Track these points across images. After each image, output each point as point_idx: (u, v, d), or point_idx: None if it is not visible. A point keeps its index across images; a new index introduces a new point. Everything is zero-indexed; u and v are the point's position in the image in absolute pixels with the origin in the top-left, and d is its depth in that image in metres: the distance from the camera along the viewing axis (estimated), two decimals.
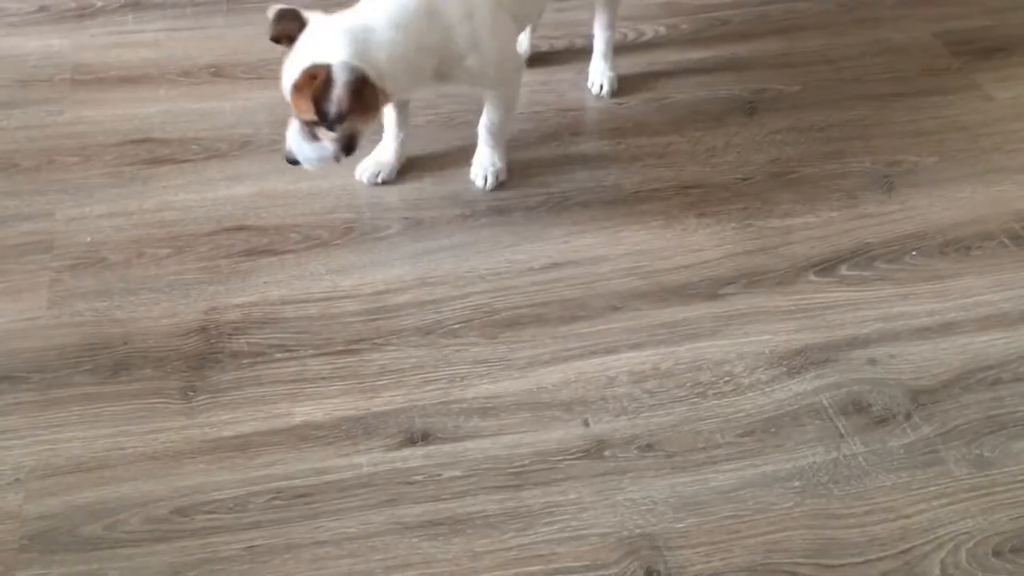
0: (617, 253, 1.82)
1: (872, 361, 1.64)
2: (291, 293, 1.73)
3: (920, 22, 2.40)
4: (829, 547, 1.40)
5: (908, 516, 1.44)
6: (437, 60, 1.70)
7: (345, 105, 1.56)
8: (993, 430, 1.55)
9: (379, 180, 1.93)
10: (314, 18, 1.64)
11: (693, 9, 2.43)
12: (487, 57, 1.74)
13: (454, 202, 1.91)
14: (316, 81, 1.57)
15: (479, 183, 1.93)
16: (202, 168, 1.97)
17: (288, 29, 1.64)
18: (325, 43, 1.60)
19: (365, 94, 1.59)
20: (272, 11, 1.64)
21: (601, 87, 2.14)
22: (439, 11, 1.66)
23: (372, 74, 1.59)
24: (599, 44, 2.14)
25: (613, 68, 2.15)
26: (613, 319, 1.70)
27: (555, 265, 1.80)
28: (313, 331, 1.67)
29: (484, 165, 1.93)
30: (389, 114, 1.91)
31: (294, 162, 1.72)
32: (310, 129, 1.66)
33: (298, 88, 1.60)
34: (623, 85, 2.19)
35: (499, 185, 1.94)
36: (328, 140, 1.67)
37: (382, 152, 1.95)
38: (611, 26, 2.12)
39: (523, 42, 2.16)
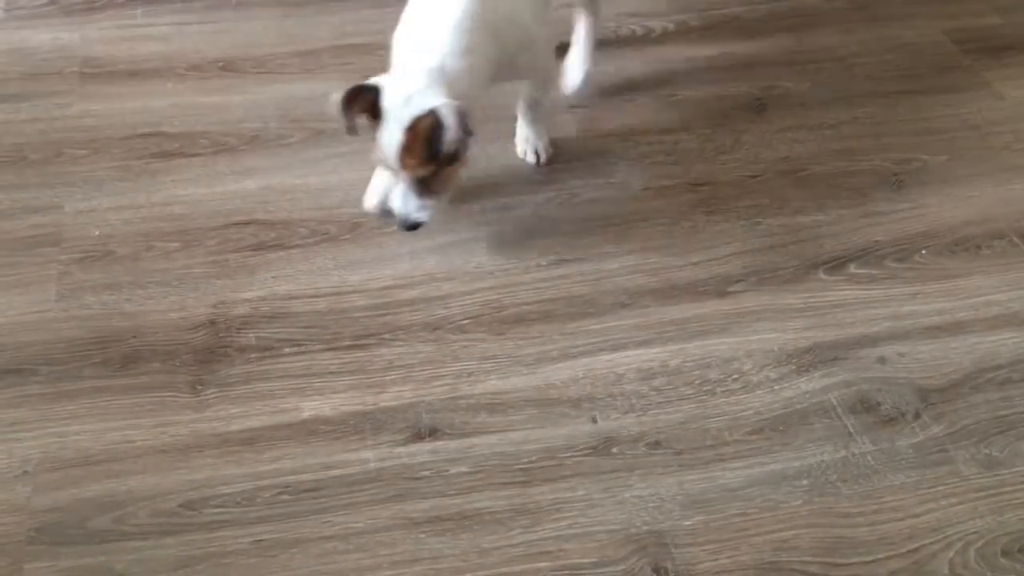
0: (625, 250, 1.82)
1: (881, 360, 1.64)
2: (299, 288, 1.73)
3: (931, 20, 2.39)
4: (837, 546, 1.40)
5: (917, 515, 1.44)
6: (496, 67, 1.71)
7: (463, 134, 1.58)
8: (1002, 430, 1.55)
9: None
10: (382, 82, 1.62)
11: (702, 6, 2.42)
12: (538, 50, 1.80)
13: (462, 199, 1.90)
14: (425, 128, 1.57)
15: (530, 159, 1.98)
16: (211, 162, 1.97)
17: (363, 105, 1.61)
18: (414, 96, 1.59)
19: (468, 123, 1.61)
20: (338, 97, 1.60)
21: (576, 85, 2.11)
22: (491, 23, 1.68)
23: (466, 104, 1.60)
24: (579, 40, 2.11)
25: (592, 62, 2.12)
26: (621, 316, 1.70)
27: (563, 261, 1.79)
28: (321, 326, 1.67)
29: (531, 141, 1.98)
30: None
31: (414, 227, 1.69)
32: (422, 184, 1.64)
33: (410, 146, 1.59)
34: (631, 82, 2.19)
35: (548, 160, 1.98)
36: (440, 187, 1.67)
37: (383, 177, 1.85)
38: (593, 31, 2.11)
39: None
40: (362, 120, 1.62)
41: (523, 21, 1.76)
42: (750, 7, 2.43)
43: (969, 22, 2.38)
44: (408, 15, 1.74)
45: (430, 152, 1.59)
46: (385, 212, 1.74)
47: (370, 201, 1.83)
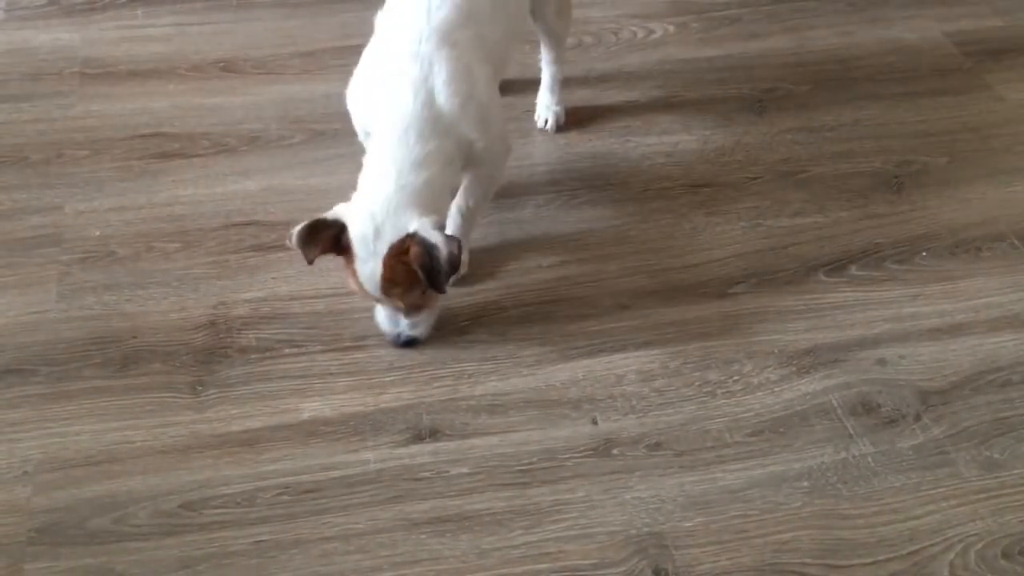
0: (625, 251, 1.82)
1: (882, 361, 1.64)
2: (299, 289, 1.73)
3: (931, 22, 2.39)
4: (837, 548, 1.40)
5: (917, 517, 1.44)
6: (456, 170, 1.60)
7: (451, 249, 1.45)
8: (1003, 432, 1.55)
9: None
10: (343, 212, 1.49)
11: (702, 7, 2.43)
12: (493, 132, 1.64)
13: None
14: (413, 257, 1.45)
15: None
16: (211, 163, 1.97)
17: (326, 243, 1.49)
18: (385, 223, 1.47)
19: (452, 239, 1.49)
20: (296, 235, 1.47)
21: (546, 121, 2.04)
22: (443, 119, 1.54)
23: (439, 217, 1.51)
24: (545, 77, 2.04)
25: (560, 102, 2.05)
26: (622, 317, 1.70)
27: (563, 263, 1.79)
28: (321, 327, 1.67)
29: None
30: None
31: (413, 343, 1.61)
32: (414, 305, 1.56)
33: (393, 278, 1.48)
34: (632, 83, 2.19)
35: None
36: (433, 301, 1.57)
37: None
38: (557, 61, 2.02)
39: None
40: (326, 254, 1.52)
41: (482, 101, 1.60)
42: (751, 9, 2.43)
43: (969, 24, 2.38)
44: (365, 82, 1.63)
45: (423, 279, 1.46)
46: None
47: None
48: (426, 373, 1.61)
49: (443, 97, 1.54)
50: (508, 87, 2.03)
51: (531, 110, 2.08)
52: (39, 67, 2.20)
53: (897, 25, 2.39)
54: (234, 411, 1.54)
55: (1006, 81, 2.22)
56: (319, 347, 1.64)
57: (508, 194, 1.92)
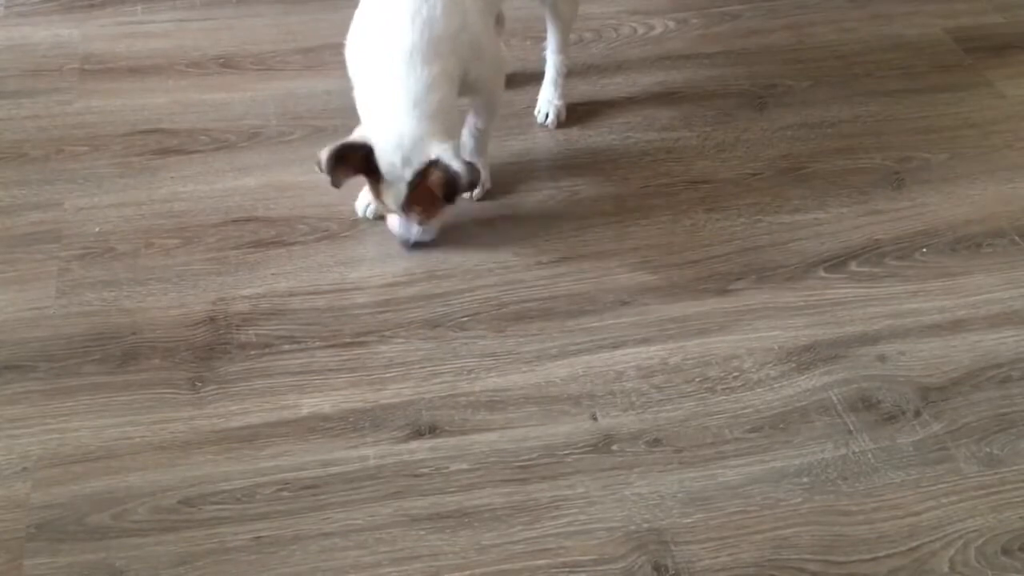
0: (626, 247, 1.82)
1: (882, 358, 1.64)
2: (299, 285, 1.73)
3: (932, 18, 2.39)
4: (837, 544, 1.40)
5: (917, 513, 1.43)
6: (458, 87, 1.68)
7: (472, 176, 1.60)
8: (1003, 428, 1.54)
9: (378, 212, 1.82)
10: (370, 137, 1.60)
11: (703, 4, 2.42)
12: (487, 61, 1.73)
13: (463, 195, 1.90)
14: (435, 183, 1.59)
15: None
16: (211, 159, 1.97)
17: (354, 164, 1.61)
18: (409, 148, 1.59)
19: (471, 162, 1.64)
20: (325, 158, 1.58)
21: (547, 116, 2.05)
22: (442, 43, 1.62)
23: (455, 140, 1.63)
24: (549, 70, 2.05)
25: (562, 97, 2.05)
26: (621, 313, 1.70)
27: (563, 259, 1.79)
28: (321, 323, 1.67)
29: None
30: None
31: (418, 245, 1.75)
32: (429, 217, 1.69)
33: (419, 199, 1.63)
34: (632, 79, 2.19)
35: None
36: (445, 212, 1.70)
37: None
38: (561, 50, 2.02)
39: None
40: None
41: (474, 32, 1.68)
42: (751, 5, 2.43)
43: (970, 20, 2.38)
44: (362, 27, 1.69)
45: (443, 200, 1.62)
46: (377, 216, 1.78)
47: (361, 205, 1.83)
48: (425, 369, 1.61)
49: (440, 25, 1.61)
50: (510, 82, 2.02)
51: (532, 105, 2.08)
52: (39, 63, 2.19)
53: (897, 21, 2.38)
54: (233, 407, 1.54)
55: (1007, 77, 2.22)
56: (319, 343, 1.64)
57: (508, 189, 1.92)
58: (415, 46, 1.60)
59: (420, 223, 1.70)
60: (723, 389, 1.59)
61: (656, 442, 1.51)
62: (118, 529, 1.39)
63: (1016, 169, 2.00)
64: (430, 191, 1.61)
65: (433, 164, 1.59)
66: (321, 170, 1.60)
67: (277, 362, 1.61)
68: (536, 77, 2.09)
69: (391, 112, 1.61)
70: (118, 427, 1.51)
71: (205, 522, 1.40)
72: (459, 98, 1.71)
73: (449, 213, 1.73)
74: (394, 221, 1.73)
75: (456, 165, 1.58)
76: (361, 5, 1.72)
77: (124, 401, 1.54)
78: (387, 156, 1.59)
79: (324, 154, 1.58)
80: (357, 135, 1.61)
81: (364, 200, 1.82)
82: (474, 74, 1.70)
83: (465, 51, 1.66)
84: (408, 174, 1.60)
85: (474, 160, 1.79)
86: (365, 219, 1.82)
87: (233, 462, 1.47)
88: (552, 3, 1.96)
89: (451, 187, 1.60)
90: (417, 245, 1.75)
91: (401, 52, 1.60)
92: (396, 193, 1.62)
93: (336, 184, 1.62)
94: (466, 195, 1.72)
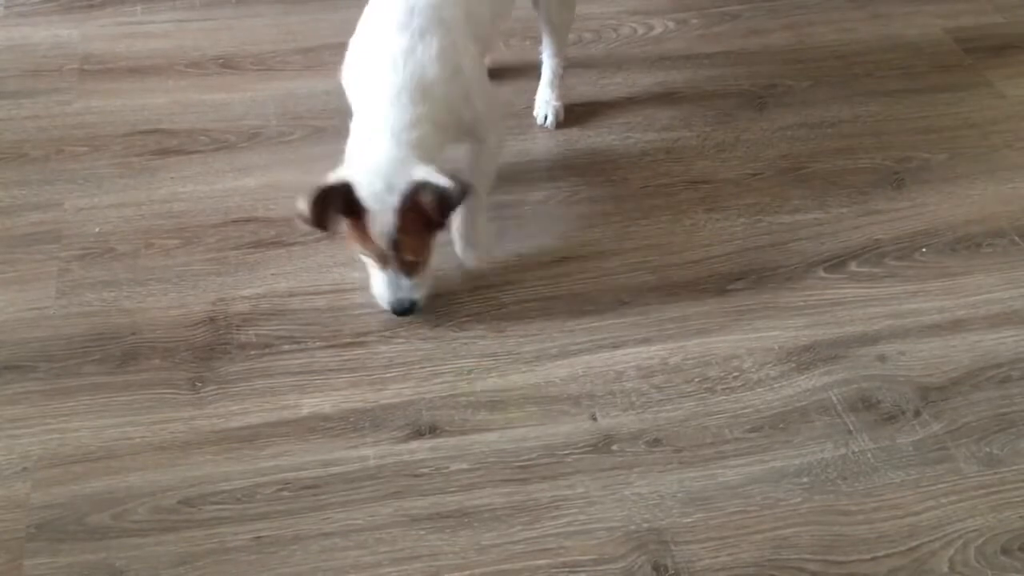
0: (626, 248, 1.82)
1: (881, 358, 1.64)
2: (299, 285, 1.73)
3: (931, 18, 2.39)
4: (837, 543, 1.40)
5: (917, 513, 1.43)
6: (444, 131, 1.61)
7: (461, 186, 1.50)
8: (1003, 428, 1.54)
9: None
10: (348, 173, 1.52)
11: (702, 4, 2.42)
12: (480, 106, 1.67)
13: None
14: (425, 203, 1.50)
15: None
16: (211, 159, 1.97)
17: (338, 205, 1.51)
18: (393, 176, 1.51)
19: (458, 179, 1.54)
20: (307, 206, 1.48)
21: (546, 117, 2.04)
22: (432, 88, 1.57)
23: (435, 162, 1.55)
24: (545, 72, 2.04)
25: (559, 98, 2.05)
26: (622, 314, 1.70)
27: (563, 259, 1.79)
28: (321, 323, 1.67)
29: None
30: None
31: (414, 308, 1.63)
32: (411, 265, 1.58)
33: (406, 226, 1.52)
34: (632, 79, 2.19)
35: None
36: (427, 258, 1.60)
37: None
38: (557, 55, 2.02)
39: None
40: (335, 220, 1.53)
41: (467, 77, 1.63)
42: (751, 5, 2.42)
43: (970, 20, 2.38)
44: (356, 57, 1.65)
45: (436, 221, 1.53)
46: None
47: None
48: (425, 369, 1.61)
49: (432, 70, 1.58)
50: (508, 82, 2.02)
51: (530, 106, 2.08)
52: (38, 63, 2.19)
53: (897, 21, 2.38)
54: (234, 407, 1.54)
55: (1007, 77, 2.22)
56: (319, 343, 1.64)
57: (507, 190, 1.92)
58: (404, 86, 1.56)
59: (409, 272, 1.58)
60: (723, 389, 1.59)
61: (656, 442, 1.51)
62: (118, 529, 1.39)
63: (1016, 169, 2.00)
64: (419, 217, 1.51)
65: (420, 187, 1.50)
66: (305, 220, 1.50)
67: (277, 362, 1.61)
68: (534, 77, 2.09)
69: (370, 142, 1.55)
70: (118, 427, 1.51)
71: (205, 522, 1.40)
72: (459, 143, 1.67)
73: (432, 260, 1.62)
74: (380, 284, 1.61)
75: (442, 181, 1.50)
76: (358, 32, 1.67)
77: (124, 401, 1.55)
78: (369, 185, 1.50)
79: (303, 203, 1.49)
80: (333, 177, 1.53)
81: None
82: (468, 117, 1.65)
83: (456, 97, 1.61)
84: (394, 200, 1.50)
85: (471, 215, 1.71)
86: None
87: (233, 462, 1.47)
88: (546, 12, 1.96)
89: (443, 204, 1.51)
90: (410, 310, 1.62)
91: (389, 90, 1.56)
92: (383, 224, 1.51)
93: (323, 229, 1.53)
94: (464, 258, 1.62)
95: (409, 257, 1.57)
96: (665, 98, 2.15)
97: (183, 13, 2.35)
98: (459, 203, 1.54)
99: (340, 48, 2.25)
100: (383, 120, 1.56)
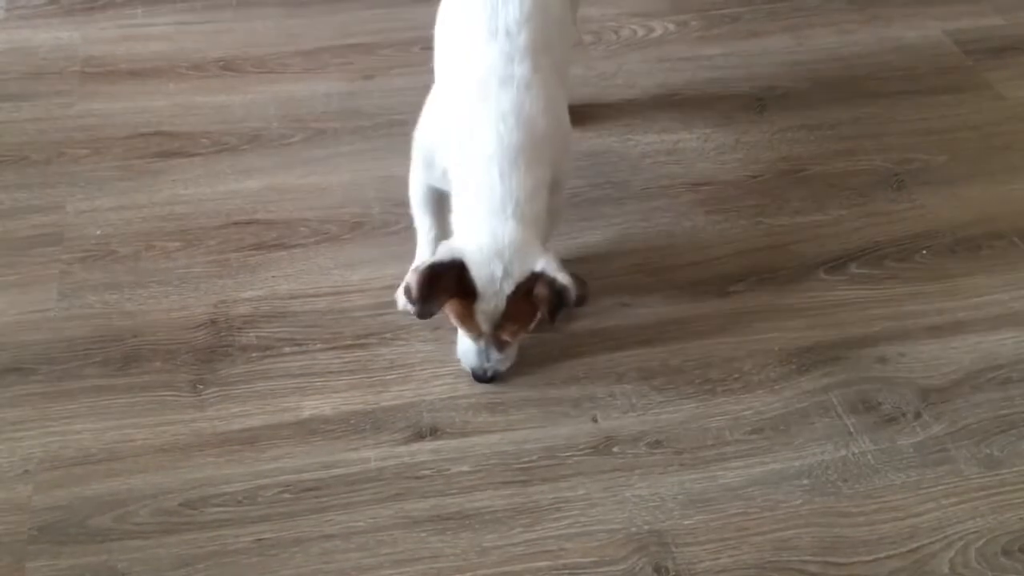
0: (626, 249, 1.82)
1: (882, 359, 1.64)
2: (300, 287, 1.73)
3: (931, 20, 2.39)
4: (838, 545, 1.40)
5: (917, 515, 1.44)
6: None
7: (581, 291, 1.42)
8: (1003, 429, 1.55)
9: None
10: (461, 250, 1.41)
11: (703, 6, 2.42)
12: (570, 157, 1.61)
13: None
14: (540, 298, 1.41)
15: None
16: (212, 162, 1.97)
17: (448, 286, 1.41)
18: (513, 262, 1.40)
19: (576, 278, 1.44)
20: (415, 288, 1.39)
21: None
22: (544, 146, 1.46)
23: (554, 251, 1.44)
24: None
25: None
26: (622, 315, 1.70)
27: (564, 261, 1.78)
28: (322, 325, 1.67)
29: None
30: (423, 222, 1.64)
31: (491, 380, 1.55)
32: (504, 343, 1.51)
33: (514, 315, 1.43)
34: (632, 81, 2.19)
35: None
36: (524, 335, 1.52)
37: None
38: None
39: None
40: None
41: (565, 129, 1.55)
42: (751, 7, 2.43)
43: (970, 22, 2.38)
44: (447, 120, 1.51)
45: (547, 318, 1.43)
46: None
47: (402, 300, 1.65)
48: (426, 371, 1.61)
49: (542, 125, 1.46)
50: None
51: None
52: (40, 66, 2.20)
53: (897, 23, 2.38)
54: (235, 409, 1.54)
55: (1006, 79, 2.22)
56: (320, 345, 1.64)
57: None
58: (522, 147, 1.42)
59: (501, 348, 1.51)
60: (723, 391, 1.59)
61: (657, 444, 1.52)
62: (120, 531, 1.39)
63: (1016, 171, 2.01)
64: (528, 306, 1.43)
65: (537, 277, 1.40)
66: (410, 300, 1.41)
67: (278, 364, 1.61)
68: None
69: (488, 218, 1.42)
70: (120, 429, 1.51)
71: (207, 524, 1.40)
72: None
73: (514, 345, 1.55)
74: (467, 349, 1.54)
75: (563, 278, 1.40)
76: (440, 98, 1.56)
77: (125, 404, 1.55)
78: (485, 267, 1.40)
79: (413, 280, 1.39)
80: (444, 252, 1.42)
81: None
82: (560, 170, 1.53)
83: (560, 152, 1.52)
84: (508, 287, 1.40)
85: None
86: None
87: (234, 464, 1.47)
88: None
89: (558, 303, 1.41)
90: (490, 380, 1.56)
91: (507, 154, 1.42)
92: (491, 310, 1.42)
93: (427, 315, 1.42)
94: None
95: (506, 338, 1.49)
96: (665, 100, 2.15)
97: (184, 15, 2.35)
98: (577, 305, 1.44)
99: (340, 51, 2.26)
100: (503, 188, 1.42)
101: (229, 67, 2.21)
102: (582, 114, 2.09)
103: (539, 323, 1.49)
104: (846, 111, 2.13)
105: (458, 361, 1.59)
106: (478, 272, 1.40)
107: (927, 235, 1.86)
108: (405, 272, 1.74)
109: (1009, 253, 1.83)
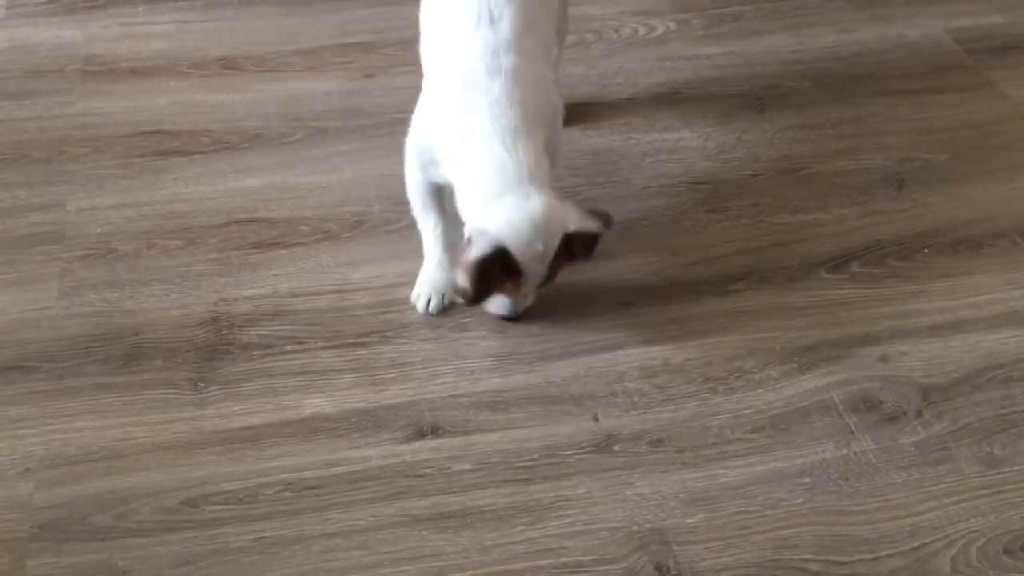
0: (627, 248, 1.82)
1: (883, 358, 1.64)
2: (301, 285, 1.73)
3: (932, 19, 2.39)
4: (839, 544, 1.40)
5: (919, 513, 1.44)
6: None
7: (605, 224, 1.52)
8: (1004, 428, 1.54)
9: (445, 303, 1.68)
10: (498, 234, 1.47)
11: (703, 5, 2.42)
12: (560, 128, 1.68)
13: None
14: (580, 251, 1.52)
15: None
16: (212, 160, 1.97)
17: (499, 273, 1.49)
18: (547, 230, 1.48)
19: (598, 212, 1.56)
20: (470, 288, 1.47)
21: None
22: (539, 118, 1.55)
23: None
24: None
25: (559, 96, 2.00)
26: (623, 314, 1.70)
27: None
28: (323, 323, 1.67)
29: None
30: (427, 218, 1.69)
31: (520, 318, 1.64)
32: (552, 280, 1.58)
33: (554, 272, 1.54)
34: (633, 79, 2.19)
35: None
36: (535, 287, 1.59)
37: (432, 271, 1.69)
38: (559, 57, 1.97)
39: None
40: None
41: (555, 102, 1.64)
42: (752, 6, 2.43)
43: (971, 21, 2.38)
44: (440, 116, 1.58)
45: (585, 259, 1.55)
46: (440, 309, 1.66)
47: (422, 301, 1.67)
48: (428, 370, 1.61)
49: (532, 101, 1.54)
50: None
51: None
52: (40, 64, 2.20)
53: (898, 22, 2.38)
54: (236, 407, 1.54)
55: (1008, 78, 2.22)
56: (321, 343, 1.64)
57: None
58: (518, 122, 1.51)
59: (527, 296, 1.60)
60: (725, 390, 1.59)
61: (658, 442, 1.52)
62: (121, 529, 1.39)
63: (1017, 170, 2.01)
64: (565, 259, 1.53)
65: (569, 236, 1.50)
66: (465, 299, 1.51)
67: (279, 362, 1.61)
68: None
69: (509, 194, 1.49)
70: (121, 427, 1.51)
71: (208, 522, 1.40)
72: None
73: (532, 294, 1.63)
74: (501, 303, 1.61)
75: (592, 225, 1.50)
76: (432, 97, 1.63)
77: (127, 402, 1.55)
78: (527, 247, 1.47)
79: (465, 280, 1.47)
80: (483, 245, 1.46)
81: (426, 294, 1.67)
82: (550, 143, 1.61)
83: (550, 123, 1.61)
84: (549, 256, 1.50)
85: None
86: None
87: (236, 462, 1.47)
88: None
89: (593, 244, 1.54)
90: (519, 317, 1.64)
91: (506, 133, 1.50)
92: (537, 276, 1.52)
93: (479, 302, 1.53)
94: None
95: (542, 289, 1.58)
96: (666, 99, 2.15)
97: (185, 14, 2.35)
98: (596, 249, 1.54)
99: (341, 49, 2.27)
100: (515, 163, 1.49)
101: (230, 66, 2.21)
102: (583, 113, 2.10)
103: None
104: (847, 110, 2.13)
105: (456, 360, 1.61)
106: (522, 253, 1.48)
107: (928, 234, 1.86)
108: (406, 270, 1.75)
109: (1010, 252, 1.83)
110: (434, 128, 1.59)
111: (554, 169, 1.64)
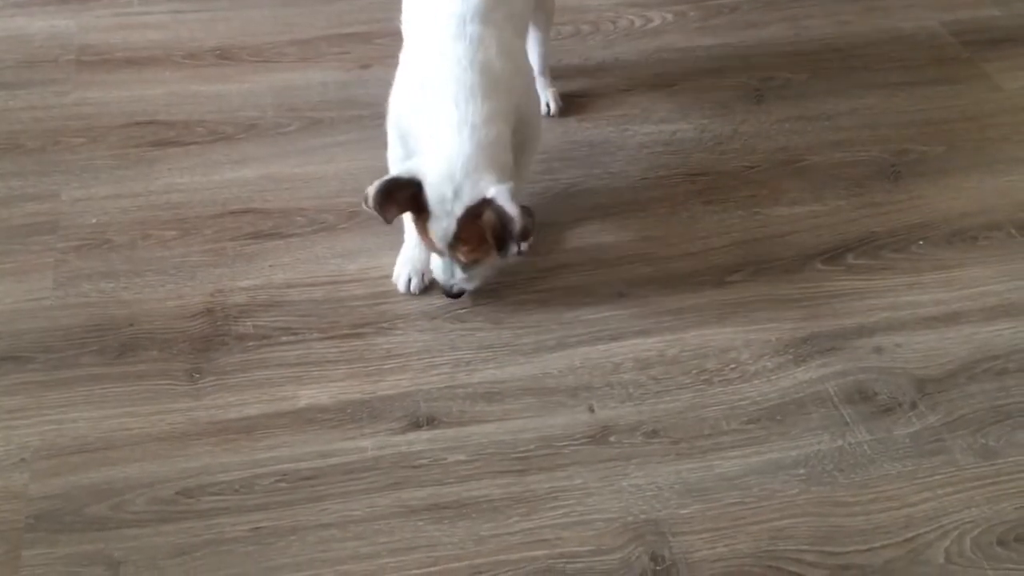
0: (623, 240, 1.82)
1: (878, 350, 1.64)
2: (297, 276, 1.73)
3: (928, 11, 2.39)
4: (834, 535, 1.40)
5: (913, 504, 1.44)
6: (512, 130, 1.60)
7: (526, 222, 1.48)
8: (999, 420, 1.55)
9: (426, 282, 1.70)
10: (419, 169, 1.51)
11: None
12: (533, 96, 1.72)
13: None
14: (486, 223, 1.49)
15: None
16: (208, 151, 1.97)
17: (402, 200, 1.51)
18: (464, 184, 1.48)
19: (526, 209, 1.51)
20: (372, 195, 1.49)
21: (548, 106, 2.03)
22: (500, 83, 1.56)
23: (512, 182, 1.52)
24: (537, 61, 2.00)
25: (551, 84, 2.06)
26: (619, 306, 1.70)
27: (561, 251, 1.79)
28: (319, 314, 1.67)
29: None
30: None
31: (459, 294, 1.65)
32: (474, 261, 1.58)
33: (464, 237, 1.51)
34: (630, 72, 2.18)
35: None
36: (491, 259, 1.59)
37: (412, 249, 1.71)
38: (546, 42, 2.02)
39: None
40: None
41: (525, 75, 1.68)
42: None
43: (967, 13, 2.38)
44: (411, 82, 1.61)
45: (494, 244, 1.51)
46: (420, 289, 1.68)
47: (402, 280, 1.70)
48: (423, 361, 1.61)
49: (498, 65, 1.57)
50: None
51: None
52: (35, 54, 2.19)
53: (895, 14, 2.38)
54: (231, 398, 1.54)
55: (1004, 70, 2.22)
56: (316, 335, 1.64)
57: None
58: (475, 84, 1.53)
59: (464, 268, 1.59)
60: (720, 381, 1.59)
61: (653, 433, 1.52)
62: (116, 520, 1.39)
63: (1012, 162, 2.01)
64: (479, 231, 1.50)
65: (487, 203, 1.48)
66: (368, 206, 1.50)
67: (275, 353, 1.61)
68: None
69: (444, 140, 1.51)
70: (116, 418, 1.51)
71: (203, 513, 1.40)
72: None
73: (494, 264, 1.63)
74: (437, 263, 1.63)
75: (511, 208, 1.47)
76: (405, 64, 1.65)
77: (122, 392, 1.54)
78: (437, 187, 1.49)
79: (371, 190, 1.49)
80: (404, 169, 1.53)
81: (405, 273, 1.70)
82: (525, 114, 1.64)
83: (521, 92, 1.63)
84: (458, 208, 1.49)
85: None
86: (408, 292, 1.70)
87: (231, 453, 1.47)
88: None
89: (504, 232, 1.48)
90: (456, 295, 1.64)
91: (462, 89, 1.53)
92: (443, 229, 1.51)
93: (387, 220, 1.53)
94: (513, 248, 1.55)
95: (463, 260, 1.57)
96: (663, 90, 2.15)
97: (180, 4, 2.34)
98: (521, 238, 1.51)
99: (336, 40, 2.26)
100: (458, 114, 1.51)
101: (225, 56, 2.20)
102: (579, 104, 2.10)
103: (491, 250, 1.53)
104: (843, 102, 2.13)
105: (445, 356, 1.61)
106: (431, 192, 1.50)
107: (924, 226, 1.86)
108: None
109: (1006, 244, 1.83)
110: (405, 96, 1.62)
111: (531, 140, 1.70)
